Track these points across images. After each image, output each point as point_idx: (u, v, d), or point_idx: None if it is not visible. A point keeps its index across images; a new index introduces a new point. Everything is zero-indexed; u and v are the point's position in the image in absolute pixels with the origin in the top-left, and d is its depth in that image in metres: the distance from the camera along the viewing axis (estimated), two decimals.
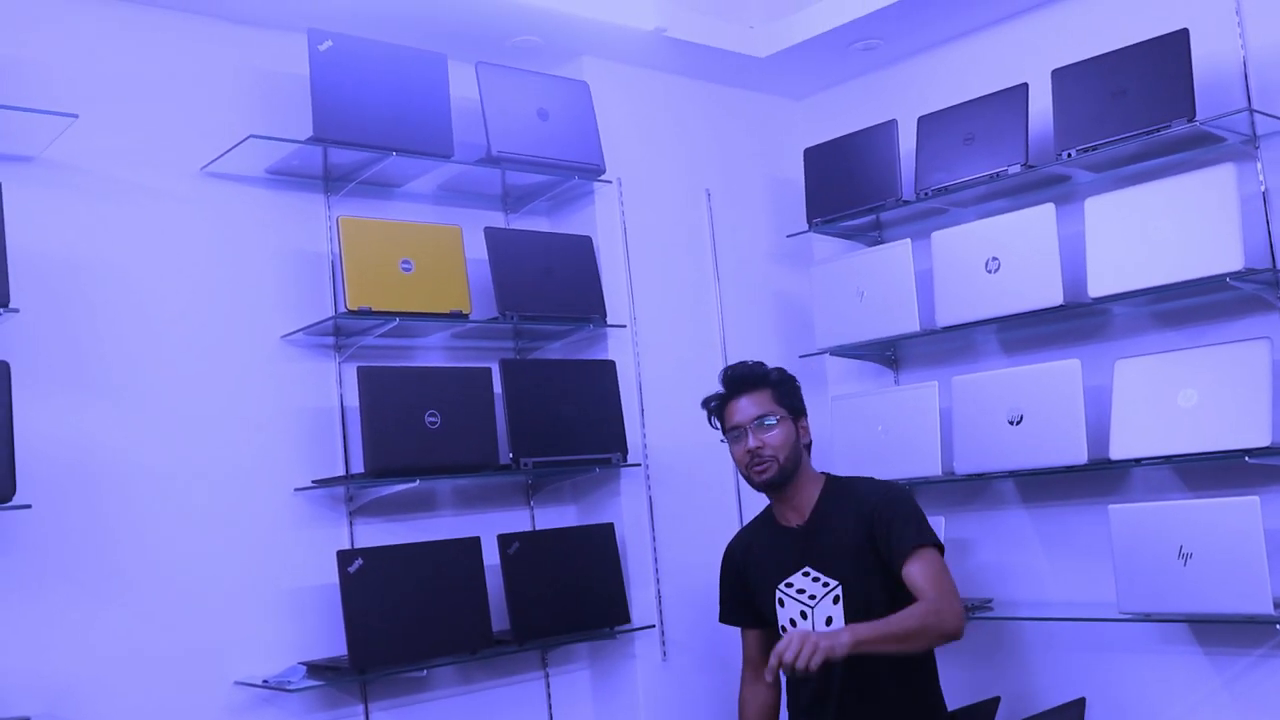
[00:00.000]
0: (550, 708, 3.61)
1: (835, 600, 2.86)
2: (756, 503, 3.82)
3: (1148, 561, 3.12)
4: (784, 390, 2.99)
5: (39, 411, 2.83)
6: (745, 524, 3.24)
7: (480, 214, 3.67)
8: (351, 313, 3.09)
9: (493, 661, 3.45)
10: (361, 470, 3.16)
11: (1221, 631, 3.24)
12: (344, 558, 3.02)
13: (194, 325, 3.11)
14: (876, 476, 3.49)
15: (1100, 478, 3.50)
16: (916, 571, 2.76)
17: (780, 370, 3.04)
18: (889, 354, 4.04)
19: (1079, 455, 3.28)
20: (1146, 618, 3.17)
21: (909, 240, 3.67)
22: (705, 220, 4.01)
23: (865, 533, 2.85)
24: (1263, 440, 2.97)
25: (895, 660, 2.78)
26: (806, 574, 2.93)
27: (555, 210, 3.84)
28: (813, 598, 2.89)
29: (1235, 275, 3.02)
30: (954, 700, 3.62)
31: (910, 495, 2.97)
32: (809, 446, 3.02)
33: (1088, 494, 3.56)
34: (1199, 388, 3.12)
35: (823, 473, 3.06)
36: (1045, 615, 3.47)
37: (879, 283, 3.73)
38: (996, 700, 3.68)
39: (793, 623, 2.90)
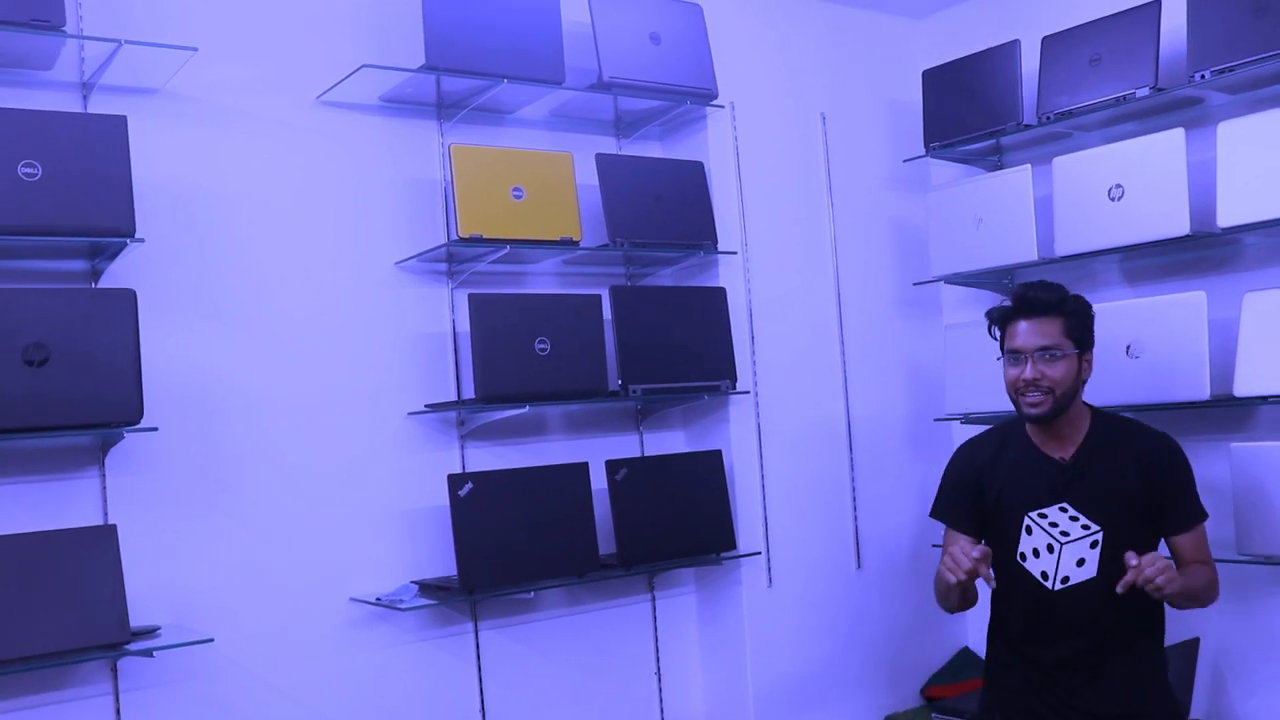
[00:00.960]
0: (656, 630, 3.67)
1: (1093, 545, 2.74)
2: (863, 431, 3.82)
3: (1270, 503, 3.04)
4: (1076, 322, 2.79)
5: (164, 338, 2.91)
6: (989, 429, 3.07)
7: (593, 139, 3.66)
8: (463, 240, 3.11)
9: (600, 584, 3.51)
10: (473, 395, 3.21)
11: None
12: (454, 481, 3.09)
13: (311, 252, 3.16)
14: (985, 411, 3.48)
15: (1224, 414, 3.40)
16: (1190, 542, 2.78)
17: (1077, 299, 2.82)
18: (1006, 283, 3.94)
19: (1201, 391, 3.19)
20: (1268, 560, 3.09)
21: (1029, 166, 3.56)
22: (819, 145, 3.94)
23: (1144, 484, 2.76)
24: None
25: (1137, 603, 2.71)
26: (1064, 510, 2.78)
27: (668, 135, 3.81)
28: (1065, 534, 2.76)
29: None
30: None
31: (1187, 460, 2.84)
32: (1086, 381, 2.87)
33: (1211, 430, 3.46)
34: None
35: (1087, 404, 2.89)
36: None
37: (997, 209, 3.64)
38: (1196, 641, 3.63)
39: (1035, 553, 2.78)
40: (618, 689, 3.59)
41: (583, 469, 3.28)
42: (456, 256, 3.30)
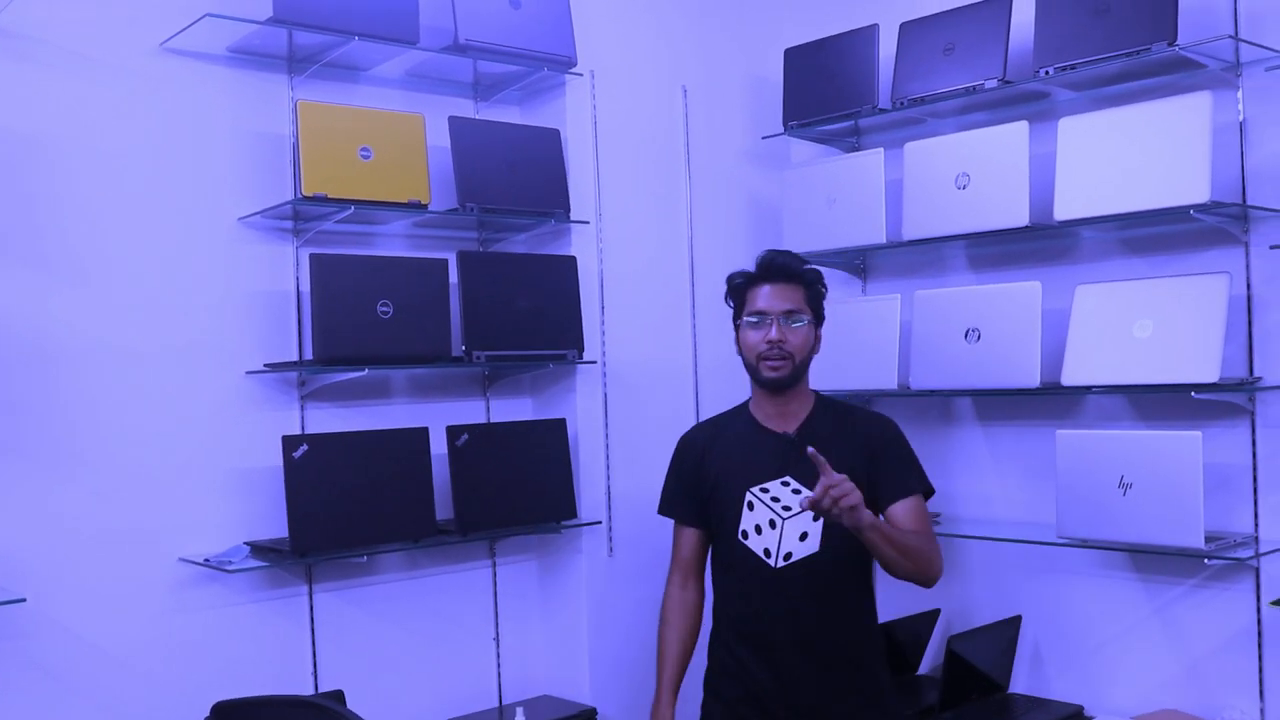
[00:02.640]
0: (496, 596, 3.67)
1: (816, 518, 2.71)
2: (713, 407, 3.85)
3: (1089, 488, 3.14)
4: (815, 293, 2.84)
5: None
6: (712, 416, 3.09)
7: (450, 101, 3.61)
8: (306, 199, 3.06)
9: (440, 549, 3.50)
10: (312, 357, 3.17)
11: (1156, 560, 3.27)
12: (289, 443, 3.04)
13: (151, 204, 3.08)
14: (835, 388, 3.52)
15: (1054, 401, 3.50)
16: (905, 511, 2.75)
17: (817, 272, 2.86)
18: (858, 263, 4.00)
19: (1032, 379, 3.27)
20: (1084, 543, 3.19)
21: (882, 150, 3.61)
22: (680, 118, 3.94)
23: (864, 459, 2.76)
24: (1210, 376, 2.95)
25: (859, 577, 2.81)
26: (786, 483, 2.77)
27: (527, 101, 3.77)
28: (787, 508, 2.75)
29: (1199, 207, 2.98)
30: (895, 610, 3.69)
31: (907, 439, 2.89)
32: (814, 355, 2.88)
33: (1041, 416, 3.56)
34: (1155, 319, 3.09)
35: (814, 390, 2.92)
36: (989, 534, 3.49)
37: (849, 191, 3.68)
38: (936, 612, 3.76)
39: (757, 529, 2.77)
40: (456, 655, 3.59)
41: (422, 434, 3.26)
42: (302, 215, 3.24)
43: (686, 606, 2.96)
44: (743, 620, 2.80)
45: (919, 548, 2.66)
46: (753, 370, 2.81)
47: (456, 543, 3.38)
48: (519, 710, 3.32)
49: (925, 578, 2.69)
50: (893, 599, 3.89)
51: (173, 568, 3.07)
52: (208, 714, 2.63)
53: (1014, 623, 3.59)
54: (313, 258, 3.08)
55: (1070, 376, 3.21)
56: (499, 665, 3.68)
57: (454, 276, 3.34)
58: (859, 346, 3.66)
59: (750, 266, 2.85)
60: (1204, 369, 2.97)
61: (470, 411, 3.63)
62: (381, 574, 3.44)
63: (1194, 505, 2.94)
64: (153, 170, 3.08)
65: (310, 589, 3.31)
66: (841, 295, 4.04)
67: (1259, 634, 3.13)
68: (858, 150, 3.96)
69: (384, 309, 3.15)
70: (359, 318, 3.12)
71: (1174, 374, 3.02)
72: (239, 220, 3.20)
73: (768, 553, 2.76)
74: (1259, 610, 3.12)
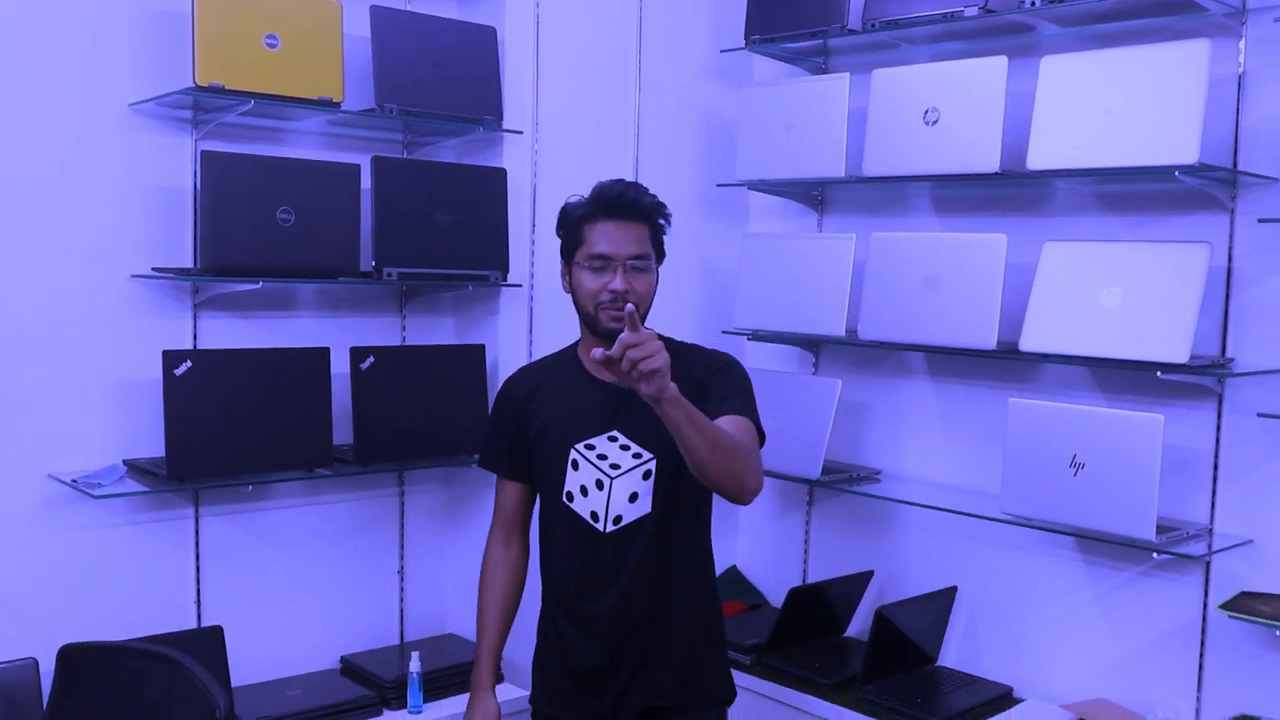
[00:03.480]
0: (403, 527, 3.42)
1: (646, 475, 2.44)
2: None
3: (1039, 464, 2.90)
4: (661, 231, 2.48)
5: None
6: (534, 360, 2.78)
7: None
8: (200, 88, 2.73)
9: (342, 477, 3.23)
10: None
11: (1104, 543, 3.03)
12: (170, 359, 2.75)
13: (30, 83, 2.73)
14: (777, 329, 3.25)
15: (1011, 364, 3.24)
16: (730, 424, 2.32)
17: (663, 206, 2.48)
18: (816, 195, 3.70)
19: (988, 340, 3.00)
20: (1028, 523, 2.95)
21: (848, 76, 3.28)
22: (633, 22, 3.58)
23: (695, 392, 2.33)
24: (1179, 356, 2.68)
25: (696, 542, 2.53)
26: (614, 439, 2.46)
27: None
28: (615, 466, 2.45)
29: (1185, 169, 2.68)
30: (827, 570, 3.48)
31: (746, 375, 2.51)
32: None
33: (996, 378, 3.30)
34: (1125, 287, 2.82)
35: (649, 329, 2.25)
36: (928, 500, 3.23)
37: (809, 118, 3.36)
38: (869, 574, 3.54)
39: (584, 491, 2.45)
40: (356, 589, 3.35)
41: (322, 354, 2.97)
42: (203, 105, 2.90)
43: (509, 565, 2.66)
44: (566, 589, 2.53)
45: (732, 442, 2.22)
46: (590, 319, 2.43)
47: (353, 474, 3.10)
48: (414, 654, 3.09)
49: (740, 484, 2.25)
50: (826, 559, 3.69)
51: (41, 484, 2.80)
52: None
53: (949, 594, 3.37)
54: (204, 155, 2.75)
55: (1028, 342, 2.94)
56: (402, 601, 3.44)
57: (369, 184, 3.02)
58: (807, 287, 3.38)
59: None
60: (1173, 348, 2.70)
61: (383, 330, 3.33)
62: (277, 499, 3.17)
63: (1148, 494, 2.70)
64: (34, 44, 2.73)
65: (196, 513, 3.04)
66: (795, 229, 3.76)
67: (1202, 632, 2.91)
68: (824, 73, 3.64)
69: (284, 216, 2.83)
70: (255, 224, 2.80)
71: (1140, 350, 2.75)
72: (130, 106, 2.86)
73: (595, 516, 2.46)
74: (1205, 607, 2.89)
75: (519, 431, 2.56)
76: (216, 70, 2.74)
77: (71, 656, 2.39)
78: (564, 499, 2.49)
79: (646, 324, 2.37)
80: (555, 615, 2.56)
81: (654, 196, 2.46)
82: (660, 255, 2.48)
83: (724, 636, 2.65)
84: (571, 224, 2.45)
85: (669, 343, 2.44)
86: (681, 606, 2.51)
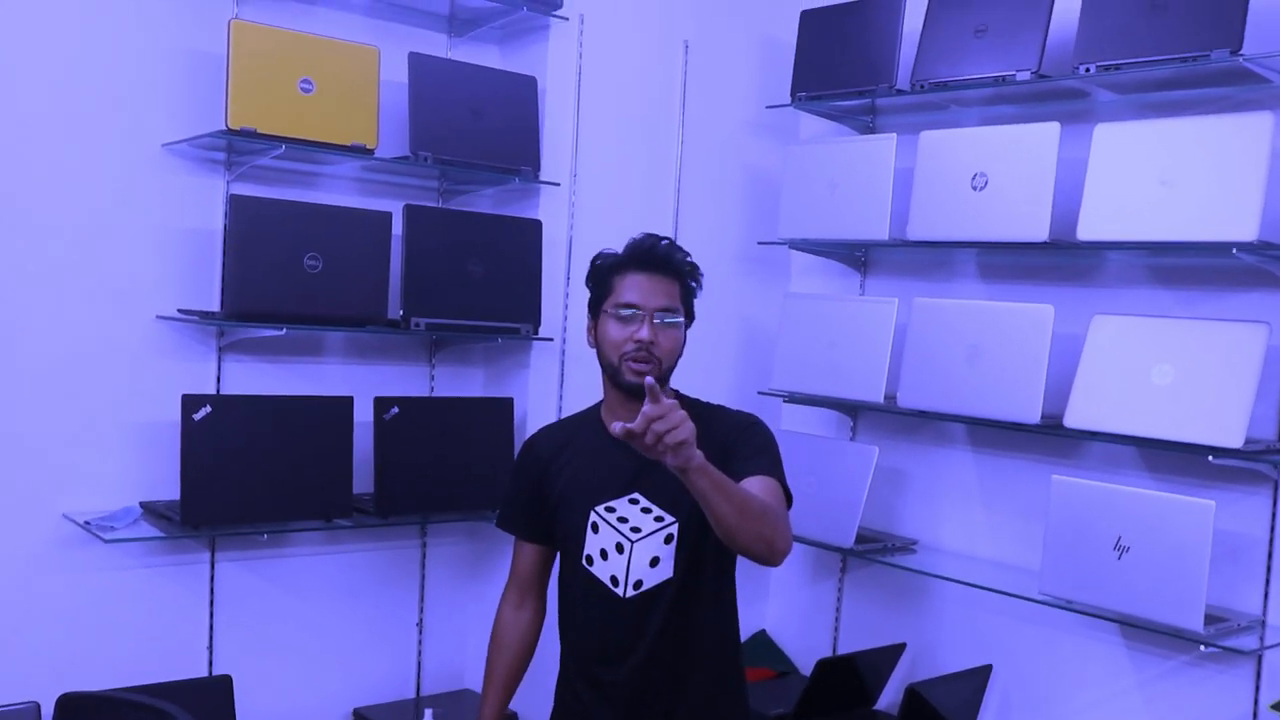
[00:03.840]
0: (423, 579, 3.34)
1: (668, 540, 2.35)
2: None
3: (1081, 545, 2.76)
4: (693, 290, 2.43)
5: None
6: (558, 420, 2.72)
7: (422, 35, 3.23)
8: (232, 131, 2.69)
9: (364, 527, 3.15)
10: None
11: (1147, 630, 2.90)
12: (189, 403, 2.69)
13: (65, 124, 2.72)
14: (814, 393, 3.14)
15: (1054, 440, 3.11)
16: (756, 485, 2.26)
17: (696, 266, 2.42)
18: (859, 256, 3.60)
19: (1032, 414, 2.88)
20: (1068, 605, 2.82)
21: (895, 137, 3.19)
22: (678, 76, 3.52)
23: (719, 454, 2.26)
24: (1233, 441, 2.56)
25: (720, 607, 2.43)
26: (635, 501, 2.38)
27: (508, 41, 3.36)
28: (637, 530, 2.37)
29: (1244, 246, 2.57)
30: (858, 641, 3.35)
31: (772, 435, 2.43)
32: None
33: (1039, 452, 3.17)
34: (1178, 364, 2.69)
35: (673, 389, 2.46)
36: (965, 575, 3.10)
37: (854, 178, 3.27)
38: (902, 647, 3.41)
39: (604, 554, 2.37)
40: (373, 638, 3.27)
41: (345, 404, 2.90)
42: (236, 148, 2.86)
43: (520, 629, 2.55)
44: (587, 656, 2.42)
45: (761, 507, 2.17)
46: (612, 370, 2.36)
47: (372, 525, 3.03)
48: (427, 711, 3.00)
49: (769, 548, 2.18)
50: (857, 629, 3.57)
51: (55, 524, 2.75)
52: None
53: (983, 672, 3.23)
54: (233, 199, 2.72)
55: (1074, 418, 2.82)
56: (420, 654, 3.35)
57: (401, 231, 2.97)
58: (847, 350, 3.27)
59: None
60: (1226, 431, 2.57)
61: (411, 380, 3.27)
62: (296, 547, 3.11)
63: (1197, 582, 2.56)
64: (69, 87, 2.72)
65: (212, 558, 2.98)
66: (837, 289, 3.67)
67: None
68: (872, 132, 3.56)
69: (312, 262, 2.78)
70: (282, 270, 2.75)
71: (1191, 432, 2.63)
72: (163, 146, 2.83)
73: (615, 580, 2.38)
74: (1256, 704, 2.75)
75: (539, 492, 2.47)
76: (249, 114, 2.70)
77: (70, 705, 2.32)
78: (584, 562, 2.39)
79: (670, 384, 2.35)
80: (573, 680, 2.45)
81: (688, 255, 2.40)
82: (690, 317, 2.41)
83: (748, 707, 2.53)
84: (601, 274, 2.40)
85: (692, 404, 2.41)
86: (704, 675, 2.40)
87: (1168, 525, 2.63)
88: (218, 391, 2.94)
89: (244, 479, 2.76)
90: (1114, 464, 3.02)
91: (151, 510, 2.82)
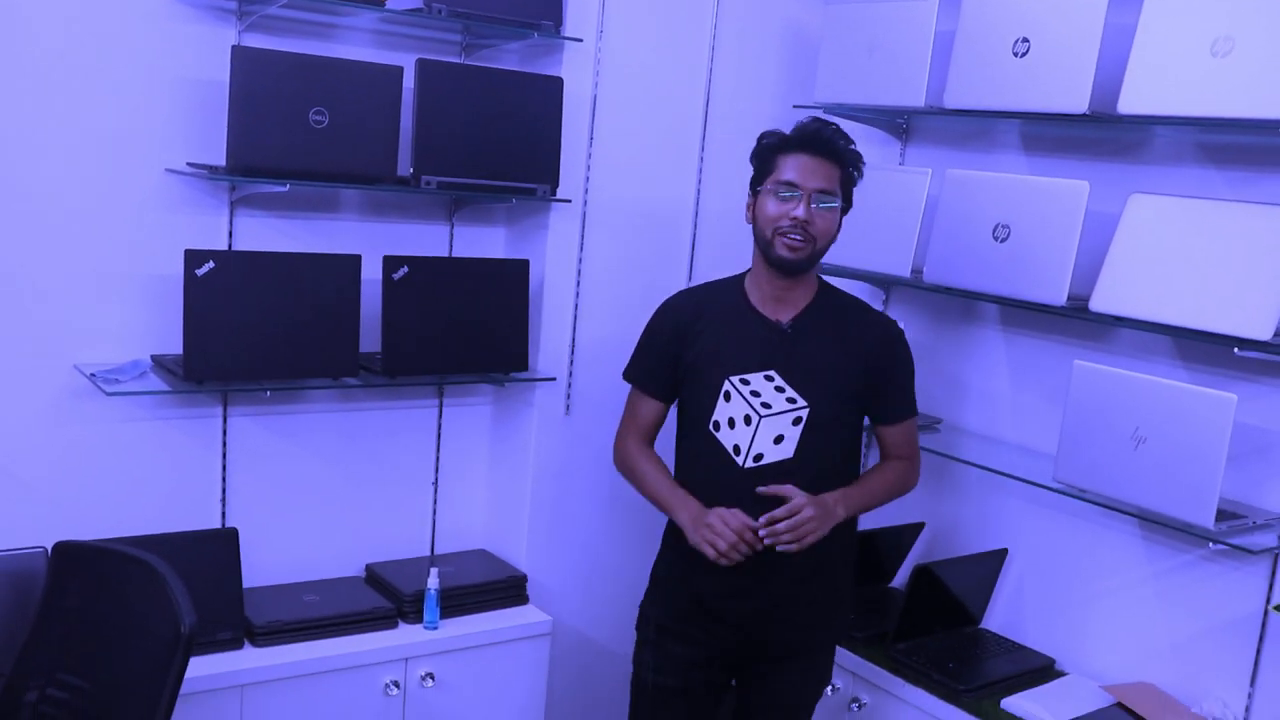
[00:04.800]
0: (440, 439, 3.35)
1: (796, 421, 2.50)
2: (708, 268, 3.41)
3: (1098, 433, 2.66)
4: (853, 177, 2.56)
5: None
6: (698, 284, 2.76)
7: None
8: None
9: (379, 387, 3.15)
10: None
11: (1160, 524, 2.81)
12: (192, 258, 2.67)
13: None
14: (840, 264, 3.21)
15: (1083, 323, 2.99)
16: (899, 434, 2.67)
17: (859, 154, 2.56)
18: (900, 123, 3.45)
19: (1058, 296, 2.76)
20: (1082, 494, 2.73)
21: None
22: None
23: (861, 367, 2.56)
24: (1262, 333, 2.42)
25: (837, 474, 2.59)
26: (770, 379, 2.51)
27: None
28: (767, 405, 2.50)
29: None
30: (879, 519, 3.30)
31: (911, 354, 2.70)
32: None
33: (1069, 335, 3.06)
34: (1214, 251, 2.54)
35: (820, 278, 2.66)
36: (985, 458, 3.02)
37: (893, 41, 3.11)
38: (921, 526, 3.37)
39: (730, 423, 2.51)
40: (388, 495, 3.30)
41: (353, 261, 2.86)
42: None
43: (650, 452, 2.70)
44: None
45: (894, 490, 2.66)
46: (766, 245, 2.51)
47: (380, 385, 3.02)
48: (433, 570, 3.03)
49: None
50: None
51: (67, 375, 2.77)
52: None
53: (998, 556, 3.18)
54: (235, 50, 2.64)
55: (1100, 301, 2.70)
56: (434, 512, 3.38)
57: (414, 87, 2.88)
58: (877, 222, 3.15)
59: (760, 127, 2.58)
60: (1255, 323, 2.43)
61: (430, 239, 3.22)
62: (312, 403, 3.12)
63: (1211, 478, 2.45)
64: None
65: (224, 412, 3.00)
66: (875, 159, 3.52)
67: (1263, 626, 2.68)
68: None
69: (318, 117, 2.72)
70: (287, 125, 2.69)
71: (1218, 322, 2.49)
72: None
73: (737, 449, 2.52)
74: (1268, 602, 2.66)
75: (675, 352, 2.62)
76: None
77: (64, 552, 2.38)
78: (710, 427, 2.55)
79: (823, 260, 2.60)
80: (686, 546, 2.54)
81: (852, 143, 2.53)
82: (848, 203, 2.56)
83: (852, 584, 2.77)
84: (765, 153, 2.53)
85: (837, 295, 2.66)
86: (805, 554, 2.48)
87: (1186, 417, 2.51)
88: (229, 246, 2.93)
89: (248, 335, 2.75)
90: (1146, 350, 2.90)
91: (161, 364, 2.83)
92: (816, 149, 2.48)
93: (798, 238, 2.46)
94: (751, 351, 2.54)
